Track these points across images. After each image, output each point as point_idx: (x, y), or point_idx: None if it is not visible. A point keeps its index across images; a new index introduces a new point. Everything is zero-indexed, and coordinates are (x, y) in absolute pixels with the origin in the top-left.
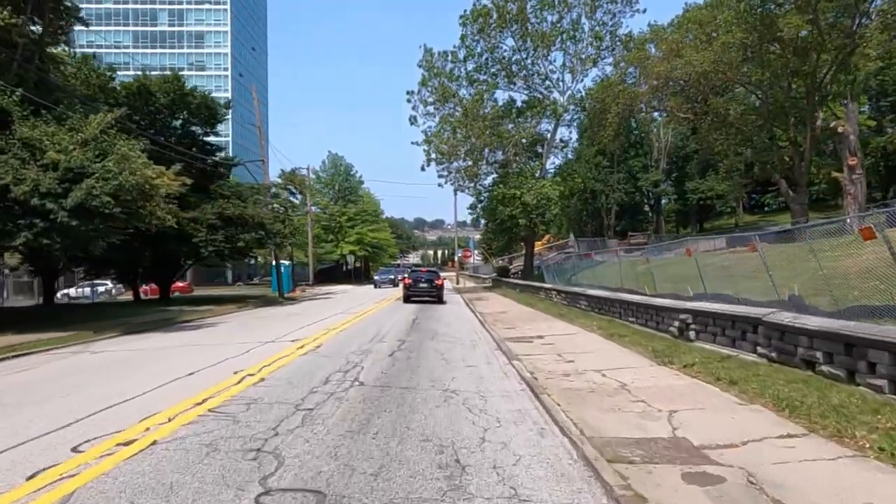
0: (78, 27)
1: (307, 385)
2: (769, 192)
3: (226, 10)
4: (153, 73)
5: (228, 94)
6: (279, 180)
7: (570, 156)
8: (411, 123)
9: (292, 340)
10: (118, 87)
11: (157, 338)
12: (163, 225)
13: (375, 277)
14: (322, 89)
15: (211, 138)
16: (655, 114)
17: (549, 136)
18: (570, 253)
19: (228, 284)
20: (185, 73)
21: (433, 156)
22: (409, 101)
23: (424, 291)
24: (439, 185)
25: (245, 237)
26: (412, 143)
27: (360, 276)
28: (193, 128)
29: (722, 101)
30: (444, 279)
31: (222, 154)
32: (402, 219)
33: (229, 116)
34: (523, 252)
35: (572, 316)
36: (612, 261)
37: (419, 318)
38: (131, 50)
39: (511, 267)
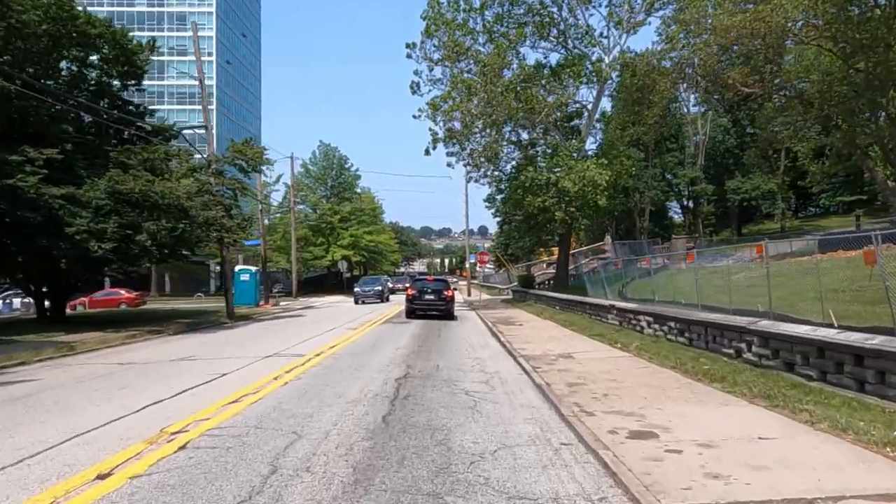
0: None
1: None
2: (825, 192)
3: None
4: None
5: (213, 82)
6: (227, 154)
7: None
8: (413, 92)
9: None
10: None
11: None
12: None
13: (356, 289)
14: (320, 82)
15: (127, 94)
16: (693, 100)
17: (590, 106)
18: (606, 258)
19: (210, 294)
20: (166, 57)
21: (441, 133)
22: (409, 56)
23: (431, 304)
24: (448, 164)
25: (150, 227)
26: (414, 115)
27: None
28: (109, 80)
29: (801, 69)
30: (455, 290)
31: (154, 121)
32: (410, 227)
33: (213, 106)
34: (544, 259)
35: (751, 383)
36: (679, 268)
37: (411, 376)
38: None
39: (535, 275)
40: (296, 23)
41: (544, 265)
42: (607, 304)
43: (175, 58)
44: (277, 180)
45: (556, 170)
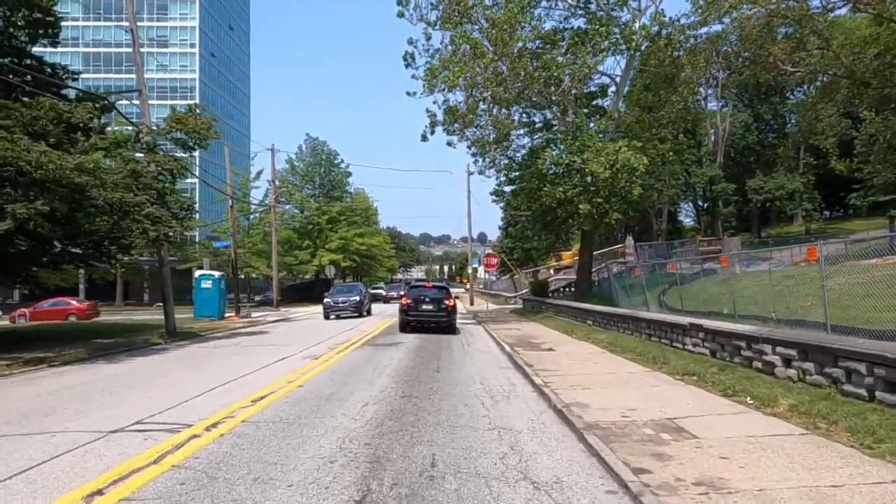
0: None
1: None
2: (854, 191)
3: None
4: (106, 49)
5: (195, 76)
6: (162, 125)
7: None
8: (406, 65)
9: None
10: None
11: None
12: None
13: (325, 300)
14: (311, 77)
15: (39, 51)
16: (710, 92)
17: (618, 79)
18: (626, 262)
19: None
20: (145, 49)
21: (440, 114)
22: (400, 14)
23: (429, 316)
24: (449, 143)
25: (18, 211)
26: (408, 92)
27: None
28: (14, 31)
29: (858, 42)
30: (456, 298)
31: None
32: (409, 234)
33: (195, 101)
34: (552, 263)
35: None
36: (733, 273)
37: None
38: (81, 23)
39: (549, 281)
40: (286, 15)
41: (552, 271)
42: (684, 322)
43: (155, 49)
44: (258, 176)
45: (582, 153)
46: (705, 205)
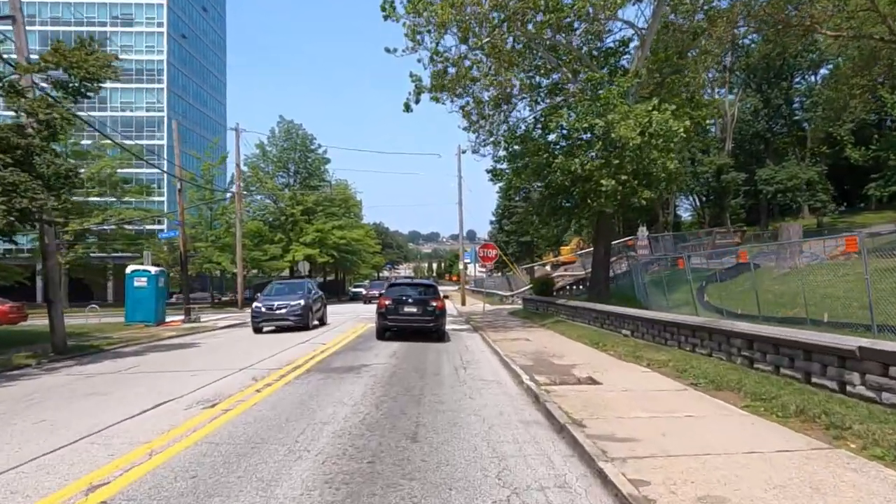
0: None
1: None
2: (872, 181)
3: None
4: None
5: (163, 57)
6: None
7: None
8: (385, 16)
9: None
10: None
11: None
12: None
13: (255, 305)
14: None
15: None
16: (714, 75)
17: (644, 32)
18: (637, 255)
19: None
20: (109, 28)
21: (427, 77)
22: None
23: (412, 319)
24: (434, 99)
25: None
26: (387, 49)
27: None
28: None
29: None
30: (446, 298)
31: None
32: (397, 231)
33: (163, 85)
34: (549, 260)
35: None
36: (792, 267)
37: None
38: None
39: (553, 278)
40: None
41: (548, 267)
42: (849, 345)
43: (119, 29)
44: (223, 160)
45: (605, 115)
46: (711, 196)
